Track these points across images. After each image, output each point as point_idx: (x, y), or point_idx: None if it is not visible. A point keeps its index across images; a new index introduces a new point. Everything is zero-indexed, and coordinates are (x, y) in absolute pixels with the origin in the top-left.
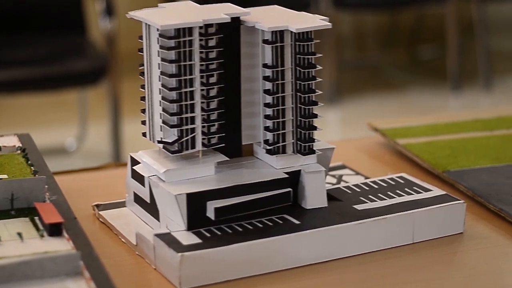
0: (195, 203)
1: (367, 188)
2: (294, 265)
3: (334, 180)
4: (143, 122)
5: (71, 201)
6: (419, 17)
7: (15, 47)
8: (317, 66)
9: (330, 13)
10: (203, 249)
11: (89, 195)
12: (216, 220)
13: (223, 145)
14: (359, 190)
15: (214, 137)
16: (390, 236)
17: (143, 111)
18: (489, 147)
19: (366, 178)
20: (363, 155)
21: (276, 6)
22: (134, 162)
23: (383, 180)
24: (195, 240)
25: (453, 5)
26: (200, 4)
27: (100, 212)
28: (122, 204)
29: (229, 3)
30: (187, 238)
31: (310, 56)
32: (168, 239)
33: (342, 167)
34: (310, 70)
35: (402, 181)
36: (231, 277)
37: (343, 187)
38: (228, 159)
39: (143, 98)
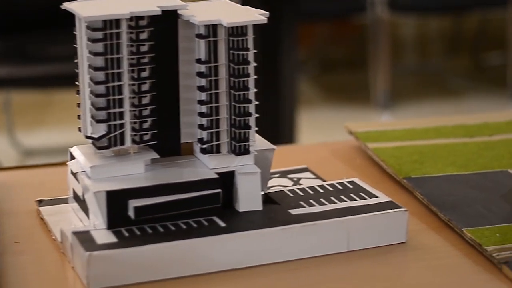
0: (115, 201)
1: (311, 192)
2: (212, 269)
3: (290, 183)
4: (79, 117)
5: (23, 196)
6: (483, 22)
7: (62, 42)
8: (251, 62)
9: (385, 16)
10: (115, 248)
11: (42, 190)
12: (140, 220)
13: (155, 142)
14: (302, 194)
15: (147, 133)
16: (321, 243)
17: (79, 105)
18: (462, 154)
19: (324, 181)
20: (334, 159)
21: (226, 0)
22: (72, 157)
23: (331, 185)
24: (112, 239)
25: None
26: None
27: (40, 208)
28: (65, 201)
29: None
30: (104, 237)
31: (244, 52)
32: (84, 237)
33: (304, 170)
34: (244, 66)
35: (351, 186)
36: (143, 279)
37: (287, 190)
38: (159, 156)
39: (78, 92)
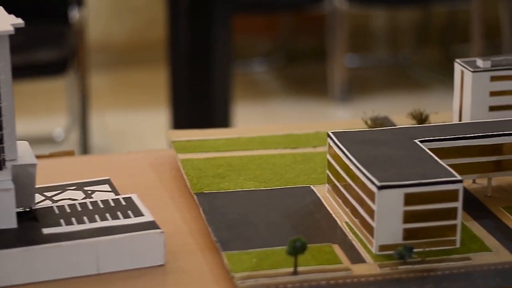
0: None
1: (79, 209)
2: None
3: (81, 196)
4: None
5: None
6: (452, 14)
7: None
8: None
9: (343, 7)
10: None
11: None
12: None
13: None
14: (69, 211)
15: None
16: (68, 265)
17: None
18: (273, 167)
19: (117, 195)
20: (149, 169)
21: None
22: None
23: (104, 201)
24: None
25: (478, 2)
26: None
27: None
28: None
29: None
30: None
31: None
32: None
33: (105, 182)
34: None
35: (124, 203)
36: None
37: (56, 206)
38: None
39: None
